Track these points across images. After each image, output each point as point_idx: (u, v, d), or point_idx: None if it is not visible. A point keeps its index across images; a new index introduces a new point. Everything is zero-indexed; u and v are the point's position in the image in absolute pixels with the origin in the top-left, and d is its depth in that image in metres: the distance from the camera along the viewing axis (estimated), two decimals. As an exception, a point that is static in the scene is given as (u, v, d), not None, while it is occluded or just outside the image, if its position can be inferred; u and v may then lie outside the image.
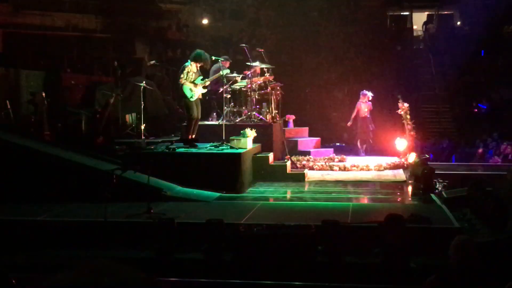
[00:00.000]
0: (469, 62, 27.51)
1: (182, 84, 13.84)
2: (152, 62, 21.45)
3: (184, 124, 14.75)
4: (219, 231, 8.76)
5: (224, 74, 14.86)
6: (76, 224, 9.85)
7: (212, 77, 14.79)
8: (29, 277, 5.11)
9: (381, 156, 17.39)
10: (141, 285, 1.46)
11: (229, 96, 15.29)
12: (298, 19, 29.02)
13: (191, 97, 13.96)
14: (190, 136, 14.04)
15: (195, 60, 14.07)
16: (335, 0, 27.70)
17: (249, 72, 15.51)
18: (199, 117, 14.40)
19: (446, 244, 5.14)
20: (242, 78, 15.87)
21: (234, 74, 15.82)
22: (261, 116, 15.32)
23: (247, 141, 13.71)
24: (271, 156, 14.59)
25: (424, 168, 13.27)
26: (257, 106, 15.52)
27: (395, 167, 15.68)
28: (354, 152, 18.67)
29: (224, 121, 14.53)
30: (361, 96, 18.85)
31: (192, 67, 13.99)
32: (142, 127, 14.83)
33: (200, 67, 14.24)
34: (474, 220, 10.27)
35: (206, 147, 13.74)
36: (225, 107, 14.99)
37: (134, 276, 1.47)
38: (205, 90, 14.41)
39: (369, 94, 18.82)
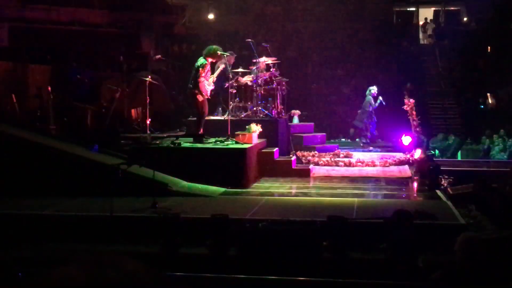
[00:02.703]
0: (475, 58, 27.46)
1: (200, 82, 13.75)
2: (158, 57, 21.44)
3: (193, 119, 14.72)
4: (224, 226, 8.76)
5: (220, 69, 14.79)
6: (81, 219, 9.86)
7: (215, 73, 14.75)
8: (34, 271, 5.13)
9: (386, 152, 17.39)
10: (145, 278, 1.45)
11: (234, 91, 15.28)
12: (304, 14, 29.02)
13: (207, 94, 13.98)
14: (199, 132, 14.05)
15: (210, 56, 14.01)
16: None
17: (254, 67, 15.50)
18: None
19: (452, 241, 5.13)
20: (248, 73, 15.87)
21: (240, 69, 15.82)
22: (266, 112, 15.31)
23: (253, 136, 13.70)
24: (276, 151, 14.58)
25: (430, 164, 13.26)
26: (263, 102, 15.50)
27: (400, 163, 15.67)
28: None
29: (229, 116, 14.52)
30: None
31: (208, 64, 13.97)
32: (148, 122, 14.84)
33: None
34: (479, 217, 10.25)
35: (211, 142, 13.73)
36: (231, 102, 14.98)
37: (138, 269, 1.46)
38: (213, 87, 14.40)
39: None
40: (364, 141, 19.24)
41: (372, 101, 19.20)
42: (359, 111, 19.77)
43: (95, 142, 13.22)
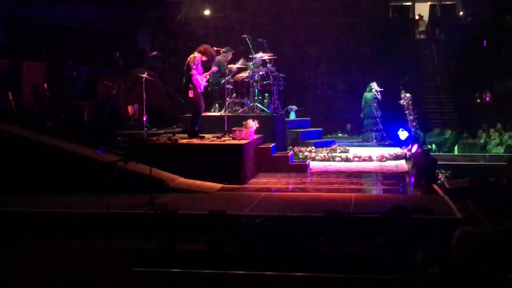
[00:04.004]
0: (471, 52, 27.47)
1: (192, 76, 13.73)
2: (154, 53, 21.41)
3: (189, 115, 14.72)
4: (222, 222, 8.76)
5: (213, 67, 14.80)
6: (78, 215, 9.86)
7: (208, 72, 14.69)
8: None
9: (383, 147, 17.41)
10: (123, 275, 1.42)
11: (231, 87, 15.28)
12: (301, 9, 28.98)
13: (201, 88, 13.96)
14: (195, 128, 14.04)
15: (202, 54, 14.00)
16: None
17: (251, 63, 15.49)
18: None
19: (449, 235, 5.13)
20: (244, 69, 15.87)
21: (236, 65, 15.81)
22: (263, 107, 15.30)
23: (249, 132, 13.70)
24: (273, 147, 14.58)
25: (427, 158, 13.27)
26: (259, 97, 15.50)
27: (397, 157, 15.68)
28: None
29: (226, 112, 14.52)
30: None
31: (200, 60, 13.96)
32: (144, 118, 14.81)
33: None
34: (476, 211, 10.27)
35: (208, 138, 13.72)
36: (227, 98, 14.98)
37: (115, 264, 1.43)
38: (206, 84, 14.36)
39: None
40: (373, 136, 19.36)
41: (377, 96, 19.50)
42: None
43: (100, 145, 13.19)
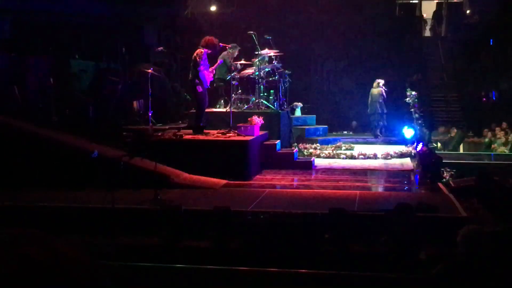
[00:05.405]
0: (478, 50, 27.39)
1: (200, 71, 13.72)
2: (160, 49, 21.40)
3: (194, 111, 14.73)
4: (226, 219, 8.76)
5: (219, 61, 14.74)
6: (83, 211, 9.87)
7: (214, 66, 14.68)
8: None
9: (388, 145, 17.39)
10: (77, 261, 1.41)
11: (237, 83, 15.27)
12: (307, 6, 28.94)
13: (207, 84, 13.97)
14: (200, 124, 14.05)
15: (206, 46, 14.00)
16: (344, -12, 27.63)
17: (257, 60, 15.48)
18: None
19: (454, 234, 5.12)
20: (250, 66, 15.86)
21: (242, 62, 15.80)
22: (268, 104, 15.29)
23: (255, 129, 13.70)
24: (278, 143, 14.58)
25: (432, 157, 13.24)
26: (265, 94, 15.50)
27: (402, 155, 15.66)
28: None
29: (231, 108, 14.52)
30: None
31: (206, 53, 13.96)
32: (150, 114, 14.82)
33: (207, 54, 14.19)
34: (481, 210, 10.25)
35: (213, 135, 13.73)
36: (233, 95, 14.97)
37: (69, 251, 1.43)
38: (212, 78, 14.38)
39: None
40: (377, 133, 19.36)
41: (383, 93, 19.51)
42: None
43: (103, 141, 13.20)
